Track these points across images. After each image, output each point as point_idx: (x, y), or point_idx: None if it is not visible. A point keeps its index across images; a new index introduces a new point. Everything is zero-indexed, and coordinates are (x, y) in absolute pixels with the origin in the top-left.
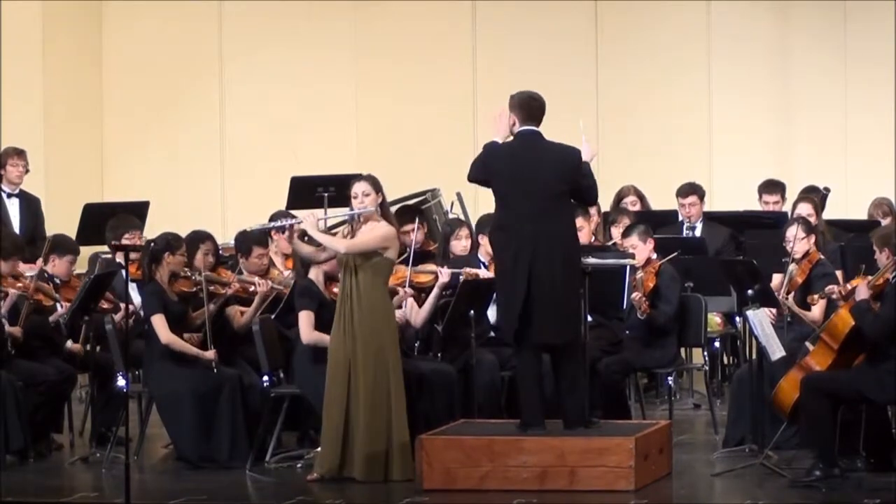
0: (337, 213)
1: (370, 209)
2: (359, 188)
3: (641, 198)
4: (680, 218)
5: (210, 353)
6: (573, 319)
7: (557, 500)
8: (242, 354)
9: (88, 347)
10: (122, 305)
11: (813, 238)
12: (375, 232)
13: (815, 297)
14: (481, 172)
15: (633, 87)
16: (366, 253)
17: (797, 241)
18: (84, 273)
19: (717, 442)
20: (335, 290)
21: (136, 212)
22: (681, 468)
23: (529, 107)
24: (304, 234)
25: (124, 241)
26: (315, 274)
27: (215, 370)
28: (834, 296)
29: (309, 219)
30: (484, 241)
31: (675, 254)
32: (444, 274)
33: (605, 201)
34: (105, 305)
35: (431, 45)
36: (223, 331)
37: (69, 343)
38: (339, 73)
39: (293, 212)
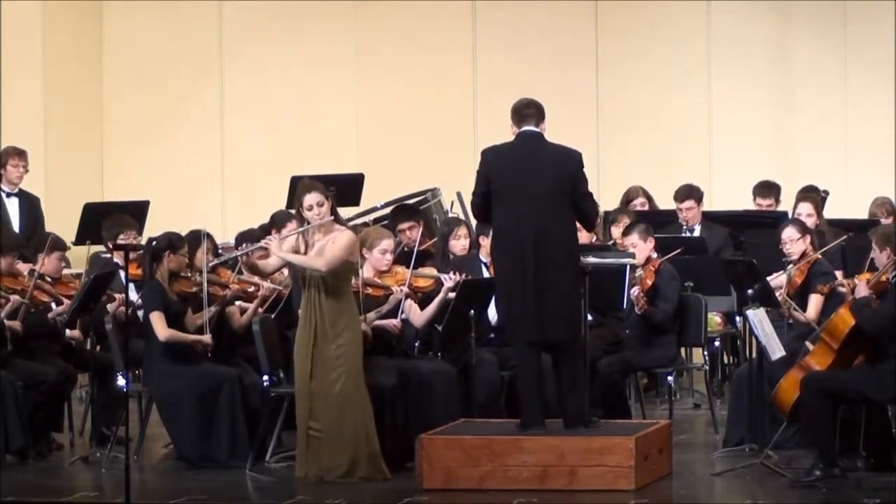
0: (295, 230)
1: (329, 218)
2: (313, 199)
3: (650, 199)
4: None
5: (207, 337)
6: (574, 318)
7: (557, 500)
8: (242, 354)
9: (89, 346)
10: (118, 296)
11: (808, 238)
12: (342, 241)
13: (826, 287)
14: (482, 184)
15: (633, 87)
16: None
17: (793, 243)
18: (84, 273)
19: (717, 442)
20: None
21: (136, 212)
22: (681, 468)
23: (521, 114)
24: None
25: (120, 242)
26: None
27: (209, 354)
28: (843, 288)
29: (273, 242)
30: (485, 241)
31: (676, 251)
32: (449, 281)
33: (608, 201)
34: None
35: (431, 45)
36: (223, 330)
37: (68, 332)
38: (340, 74)
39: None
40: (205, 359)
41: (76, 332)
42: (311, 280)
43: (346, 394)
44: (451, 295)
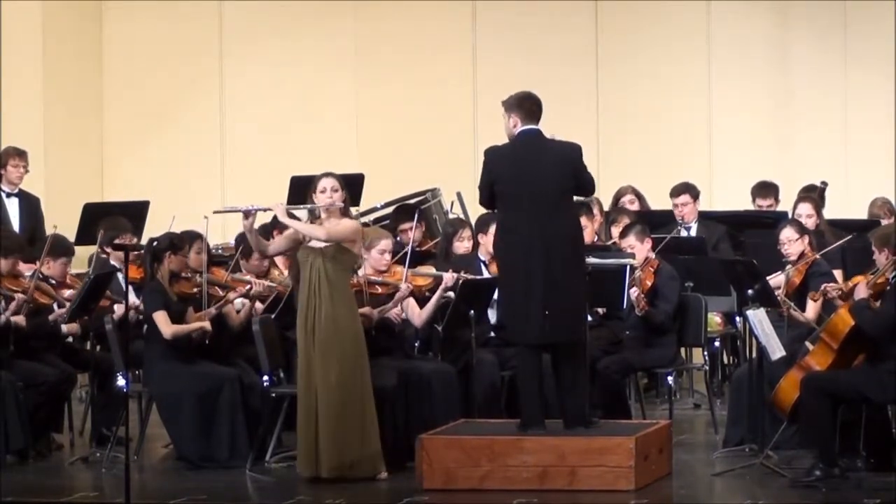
0: (302, 206)
1: (339, 204)
2: (328, 183)
3: (640, 197)
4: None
5: (206, 323)
6: (581, 317)
7: (557, 500)
8: (242, 354)
9: (88, 346)
10: (122, 303)
11: (807, 239)
12: (348, 223)
13: (817, 294)
14: (486, 182)
15: (633, 86)
16: (335, 246)
17: (791, 244)
18: (84, 273)
19: (717, 442)
20: None
21: (136, 212)
22: (681, 468)
23: (527, 107)
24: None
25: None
26: None
27: (206, 342)
28: (835, 293)
29: (278, 207)
30: (484, 240)
31: (666, 239)
32: (449, 278)
33: (608, 201)
34: (104, 303)
35: (431, 45)
36: (223, 331)
37: (64, 327)
38: (340, 74)
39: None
40: (204, 359)
41: (73, 326)
42: (312, 264)
43: (351, 386)
44: (450, 293)
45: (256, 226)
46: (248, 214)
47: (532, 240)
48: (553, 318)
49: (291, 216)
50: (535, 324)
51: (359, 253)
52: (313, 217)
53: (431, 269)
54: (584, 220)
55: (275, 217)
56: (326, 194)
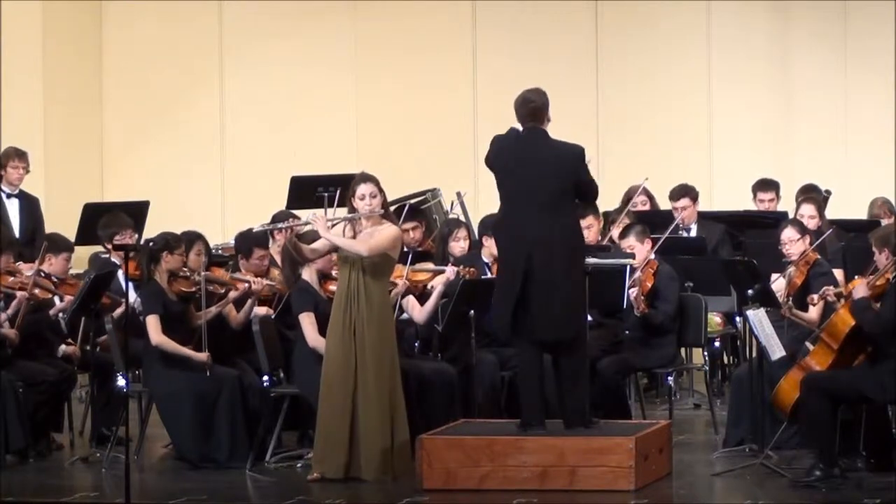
0: (340, 216)
1: (379, 211)
2: (367, 189)
3: (651, 197)
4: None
5: (203, 355)
6: (576, 316)
7: (557, 500)
8: (242, 354)
9: (88, 347)
10: (122, 301)
11: (808, 239)
12: (387, 233)
13: (816, 297)
14: (491, 161)
15: (633, 86)
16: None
17: (793, 244)
18: (83, 273)
19: (717, 442)
20: (330, 287)
21: (136, 212)
22: (681, 468)
23: (522, 112)
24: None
25: (116, 241)
26: (308, 274)
27: (208, 373)
28: (830, 298)
29: (319, 221)
30: (488, 242)
31: (662, 237)
32: (450, 271)
33: (608, 201)
34: (105, 301)
35: (431, 44)
36: (223, 331)
37: (63, 347)
38: (340, 74)
39: (296, 213)
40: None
41: (71, 349)
42: (352, 268)
43: (389, 387)
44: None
45: (255, 225)
46: (288, 230)
47: (530, 238)
48: (544, 316)
49: (303, 220)
50: (528, 321)
51: (396, 256)
52: (354, 222)
53: (430, 265)
54: (591, 220)
55: (273, 219)
56: (365, 201)
